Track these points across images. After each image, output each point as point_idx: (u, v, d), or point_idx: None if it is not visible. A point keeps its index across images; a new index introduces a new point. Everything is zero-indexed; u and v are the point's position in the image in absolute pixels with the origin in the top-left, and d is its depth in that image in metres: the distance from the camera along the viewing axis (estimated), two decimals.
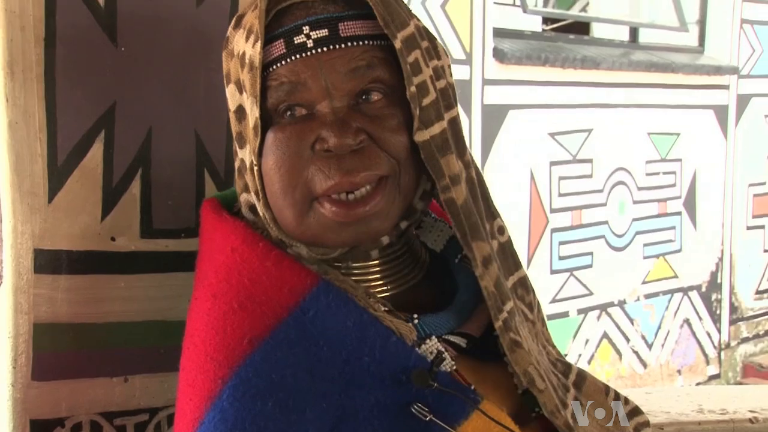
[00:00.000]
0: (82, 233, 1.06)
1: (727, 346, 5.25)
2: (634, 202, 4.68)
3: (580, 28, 4.87)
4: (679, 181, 4.91)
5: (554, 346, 1.05)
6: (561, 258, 4.31)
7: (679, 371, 4.98)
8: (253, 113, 0.87)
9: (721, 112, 5.09)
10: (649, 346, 4.79)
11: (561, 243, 4.30)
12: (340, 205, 0.86)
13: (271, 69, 0.86)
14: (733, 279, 5.27)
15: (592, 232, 4.46)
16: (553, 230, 4.26)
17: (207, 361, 0.86)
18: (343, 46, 0.86)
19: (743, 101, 5.19)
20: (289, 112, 0.87)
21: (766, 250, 5.47)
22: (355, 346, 0.85)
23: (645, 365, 4.76)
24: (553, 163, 4.23)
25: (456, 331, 0.92)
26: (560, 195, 4.29)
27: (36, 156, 1.02)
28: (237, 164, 0.93)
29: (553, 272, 4.29)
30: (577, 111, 4.27)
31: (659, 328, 4.84)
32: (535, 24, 4.52)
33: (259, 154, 0.87)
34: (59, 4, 1.02)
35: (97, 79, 1.05)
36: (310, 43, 0.85)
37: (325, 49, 0.85)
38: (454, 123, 0.91)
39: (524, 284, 0.99)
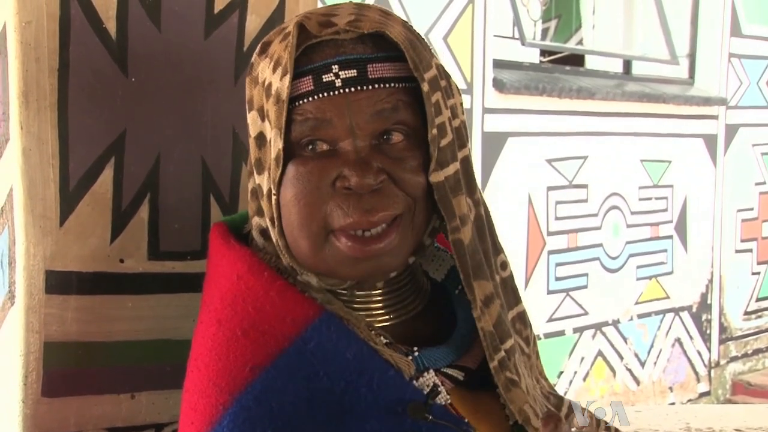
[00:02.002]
0: (92, 255, 1.05)
1: (717, 364, 5.21)
2: (628, 226, 4.66)
3: (576, 60, 4.88)
4: (670, 206, 4.89)
5: (546, 379, 1.03)
6: (557, 279, 4.29)
7: (670, 388, 4.93)
8: (276, 144, 0.85)
9: (710, 141, 5.07)
10: (642, 364, 4.75)
11: (557, 264, 4.28)
12: (356, 241, 0.84)
13: (297, 103, 0.84)
14: (723, 300, 5.23)
15: (587, 255, 4.44)
16: (550, 252, 4.24)
17: (209, 386, 0.86)
18: (370, 87, 0.84)
19: (731, 131, 5.18)
20: (311, 146, 0.85)
21: (754, 273, 5.44)
22: (353, 377, 0.84)
23: (638, 382, 4.72)
24: (550, 188, 4.21)
25: (453, 364, 0.91)
26: (557, 218, 4.27)
27: (48, 181, 1.02)
28: (251, 186, 0.92)
29: (549, 292, 4.26)
30: (573, 139, 4.26)
31: (652, 346, 4.81)
32: (532, 56, 4.52)
33: (279, 183, 0.86)
34: (73, 37, 1.02)
35: (108, 108, 1.05)
36: (338, 83, 0.84)
37: (352, 89, 0.84)
38: (466, 162, 0.90)
39: (522, 319, 0.97)
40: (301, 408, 0.83)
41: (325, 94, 0.84)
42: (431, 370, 0.88)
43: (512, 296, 0.96)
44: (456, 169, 0.87)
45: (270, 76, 0.86)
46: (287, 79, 0.83)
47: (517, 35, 4.22)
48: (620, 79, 4.75)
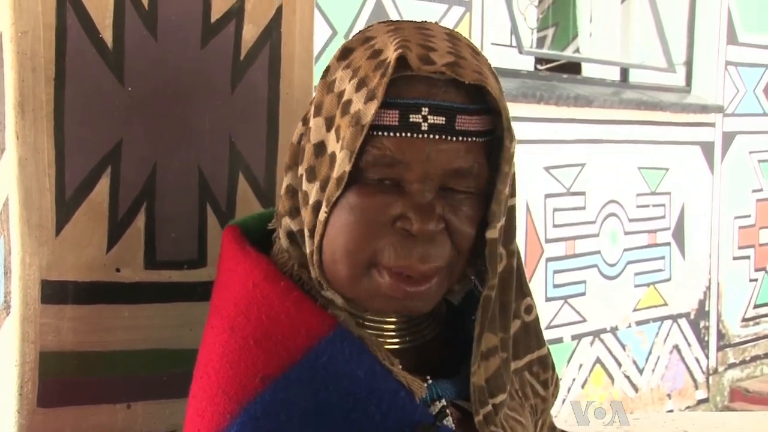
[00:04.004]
0: (88, 264, 1.05)
1: (715, 371, 5.20)
2: (626, 233, 4.66)
3: (573, 68, 4.88)
4: (668, 214, 4.89)
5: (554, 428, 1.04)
6: (555, 286, 4.28)
7: (669, 395, 4.92)
8: (342, 165, 0.81)
9: (707, 148, 5.07)
10: (640, 371, 4.74)
11: (555, 272, 4.28)
12: (400, 281, 0.83)
13: (376, 132, 0.81)
14: (721, 307, 5.23)
15: (585, 262, 4.44)
16: (548, 259, 4.24)
17: (218, 393, 0.85)
18: (454, 139, 0.82)
19: (728, 138, 5.18)
20: (378, 176, 0.83)
21: (751, 280, 5.43)
22: (363, 395, 0.83)
23: (636, 389, 4.72)
24: (547, 196, 4.21)
25: (464, 396, 0.90)
26: (555, 226, 4.27)
27: (45, 191, 1.02)
28: (287, 182, 0.90)
29: (548, 300, 4.26)
30: (571, 146, 4.26)
31: (650, 353, 4.80)
32: (530, 64, 4.52)
33: (334, 203, 0.83)
34: (69, 47, 1.02)
35: (105, 117, 1.05)
36: (424, 126, 0.81)
37: (437, 137, 0.81)
38: (512, 211, 0.90)
39: (543, 362, 0.98)
40: (309, 422, 0.82)
41: (409, 135, 0.81)
42: (443, 400, 0.88)
43: (535, 340, 0.96)
44: (502, 222, 0.87)
45: (352, 92, 0.82)
46: (373, 106, 0.80)
47: (514, 43, 4.22)
48: (617, 87, 4.76)
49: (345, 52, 0.86)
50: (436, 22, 0.90)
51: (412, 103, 0.81)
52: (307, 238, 0.87)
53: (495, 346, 0.89)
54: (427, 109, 0.81)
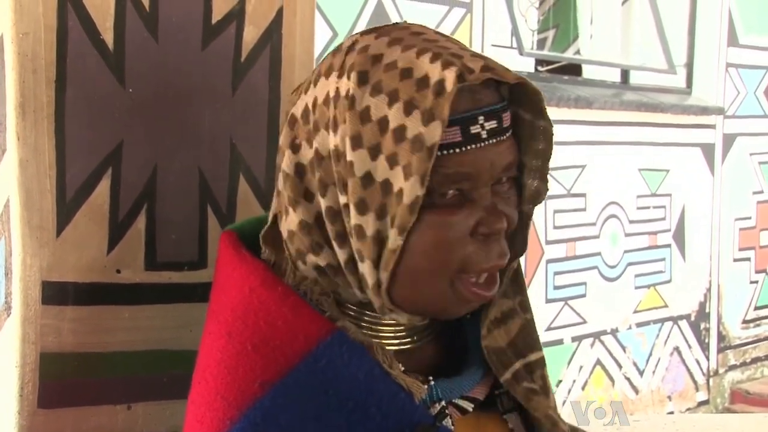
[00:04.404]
0: (89, 266, 1.05)
1: (716, 373, 5.20)
2: (626, 235, 4.66)
3: (574, 69, 4.88)
4: (668, 215, 4.89)
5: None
6: (556, 288, 4.28)
7: (669, 397, 4.92)
8: (414, 191, 0.80)
9: (708, 150, 5.08)
10: (641, 373, 4.74)
11: (556, 273, 4.28)
12: (479, 287, 0.86)
13: (441, 152, 0.81)
14: (721, 309, 5.23)
15: (585, 263, 4.44)
16: (548, 261, 4.24)
17: (217, 399, 0.85)
18: (504, 137, 0.85)
19: (729, 140, 5.18)
20: (446, 192, 0.84)
21: (752, 282, 5.43)
22: (363, 397, 0.84)
23: (637, 391, 4.72)
24: (548, 197, 4.21)
25: (464, 396, 0.91)
26: (555, 227, 4.27)
27: (45, 192, 1.02)
28: (299, 218, 0.87)
29: (548, 301, 4.26)
30: (571, 148, 4.26)
31: (650, 355, 4.80)
32: (530, 65, 4.52)
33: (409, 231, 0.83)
34: (70, 48, 1.02)
35: (106, 118, 1.05)
36: (483, 134, 0.83)
37: (494, 140, 0.84)
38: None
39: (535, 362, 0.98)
40: (309, 426, 0.82)
41: (473, 146, 0.82)
42: (443, 401, 0.88)
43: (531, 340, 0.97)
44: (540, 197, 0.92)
45: (401, 117, 0.81)
46: (438, 127, 0.80)
47: (515, 45, 4.22)
48: (618, 89, 4.76)
49: (363, 77, 0.83)
50: (404, 21, 0.92)
51: (469, 115, 0.82)
52: (368, 270, 0.84)
53: (512, 308, 0.91)
54: (482, 117, 0.83)
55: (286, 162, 0.88)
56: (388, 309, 0.87)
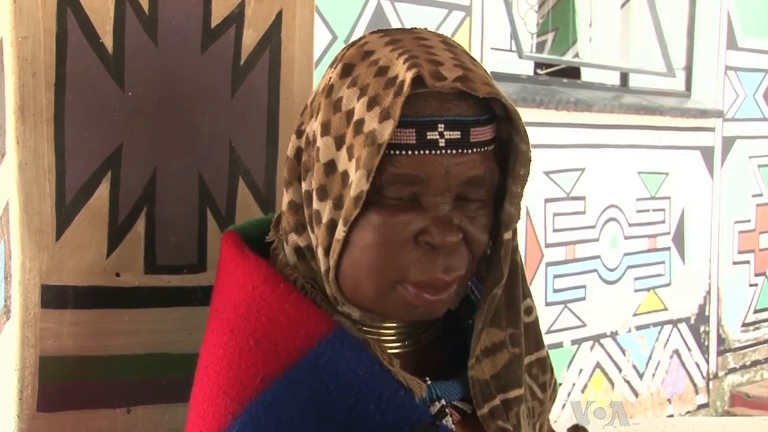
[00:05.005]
0: (88, 269, 1.05)
1: (715, 376, 5.20)
2: (626, 238, 4.66)
3: (573, 72, 4.88)
4: (668, 218, 4.89)
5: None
6: (555, 291, 4.28)
7: (669, 400, 4.92)
8: (359, 185, 0.81)
9: (707, 153, 5.08)
10: (641, 376, 4.74)
11: (555, 276, 4.28)
12: (424, 291, 0.84)
13: (393, 152, 0.82)
14: (721, 312, 5.22)
15: (585, 266, 4.44)
16: (548, 264, 4.23)
17: (219, 394, 0.85)
18: (469, 151, 0.83)
19: (728, 143, 5.18)
20: (396, 194, 0.84)
21: (752, 285, 5.43)
22: (363, 394, 0.84)
23: (636, 394, 4.71)
24: (547, 200, 4.21)
25: (463, 397, 0.91)
26: (554, 231, 4.27)
27: (45, 195, 1.02)
28: (290, 197, 0.90)
29: (547, 304, 4.25)
30: (571, 151, 4.26)
31: (650, 358, 4.79)
32: (529, 68, 4.53)
33: (352, 223, 0.83)
34: (69, 52, 1.02)
35: (105, 122, 1.05)
36: (441, 143, 0.82)
37: (454, 151, 0.82)
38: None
39: (542, 364, 0.98)
40: (310, 421, 0.83)
41: (427, 152, 0.82)
42: (443, 401, 0.88)
43: (534, 341, 0.97)
44: (516, 223, 0.89)
45: (363, 112, 0.82)
46: (390, 125, 0.80)
47: (514, 48, 4.22)
48: (617, 92, 4.76)
49: (347, 69, 0.86)
50: (425, 28, 0.91)
51: (428, 120, 0.82)
52: (321, 257, 0.87)
53: (502, 341, 0.90)
54: (443, 126, 0.82)
55: (290, 146, 0.91)
56: (340, 301, 0.88)
